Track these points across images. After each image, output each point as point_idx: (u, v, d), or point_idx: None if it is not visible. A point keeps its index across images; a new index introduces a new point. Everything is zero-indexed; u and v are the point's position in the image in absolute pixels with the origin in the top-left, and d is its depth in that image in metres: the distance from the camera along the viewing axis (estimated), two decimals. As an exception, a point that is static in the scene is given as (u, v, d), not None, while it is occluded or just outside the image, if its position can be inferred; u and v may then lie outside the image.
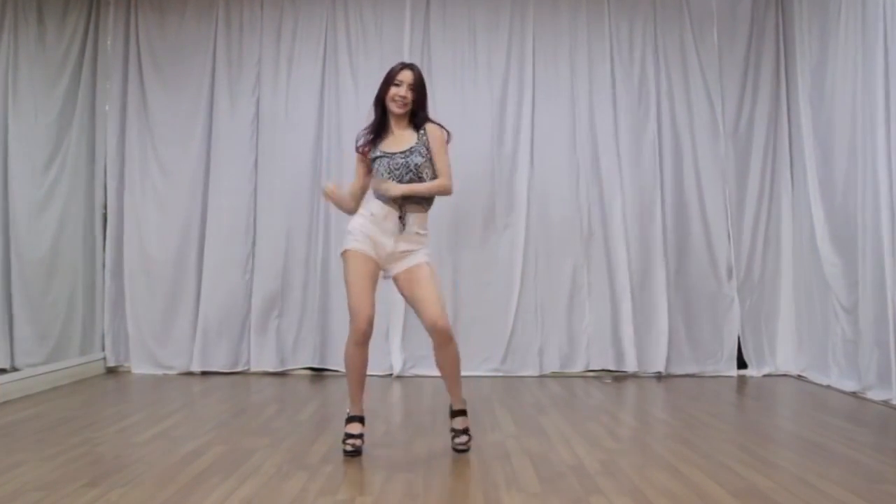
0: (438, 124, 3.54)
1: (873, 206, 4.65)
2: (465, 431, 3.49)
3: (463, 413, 3.52)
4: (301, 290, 5.82)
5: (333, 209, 5.77)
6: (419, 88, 3.50)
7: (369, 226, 3.42)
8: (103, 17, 5.88)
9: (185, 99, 5.90)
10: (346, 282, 3.39)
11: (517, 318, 5.73)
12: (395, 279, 3.48)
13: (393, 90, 3.49)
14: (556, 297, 5.77)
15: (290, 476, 3.07)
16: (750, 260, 5.82)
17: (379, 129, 3.52)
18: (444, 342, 3.37)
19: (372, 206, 3.45)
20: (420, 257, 3.44)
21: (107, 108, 5.89)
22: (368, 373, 5.65)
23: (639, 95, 5.87)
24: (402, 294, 3.50)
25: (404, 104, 3.47)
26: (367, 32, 5.90)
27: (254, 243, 5.85)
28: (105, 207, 5.88)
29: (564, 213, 5.79)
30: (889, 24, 4.53)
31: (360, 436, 3.47)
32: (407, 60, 5.76)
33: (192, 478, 3.03)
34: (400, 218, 3.39)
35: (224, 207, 5.83)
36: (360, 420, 3.50)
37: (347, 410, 3.53)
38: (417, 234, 3.45)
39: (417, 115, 3.52)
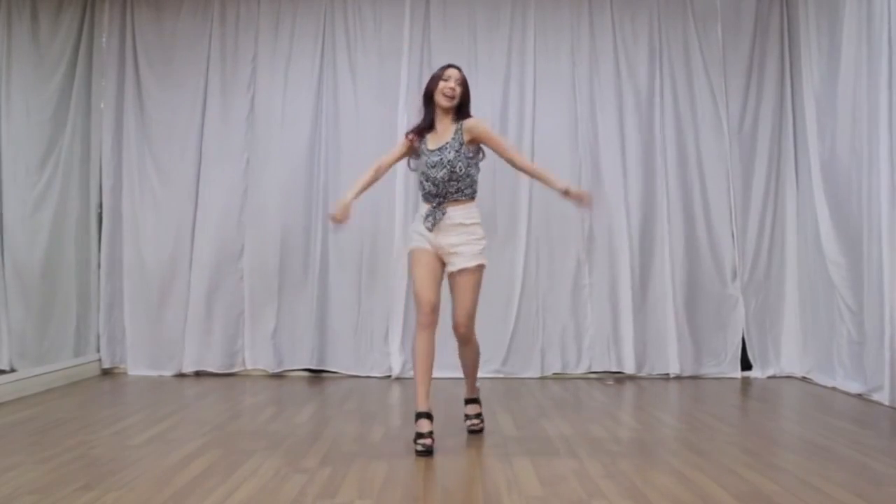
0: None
1: (878, 206, 4.62)
2: (478, 416, 3.89)
3: (476, 401, 3.92)
4: (298, 291, 5.78)
5: (331, 206, 5.75)
6: (465, 84, 3.73)
7: (420, 226, 3.70)
8: (98, 13, 5.84)
9: (181, 96, 5.86)
10: (411, 275, 3.72)
11: (518, 319, 5.69)
12: (449, 277, 3.68)
13: (441, 84, 3.68)
14: (558, 297, 5.74)
15: (287, 479, 3.05)
16: (754, 260, 5.79)
17: (427, 123, 3.75)
18: (462, 342, 3.75)
19: (420, 208, 3.76)
20: (471, 260, 3.60)
21: (102, 105, 5.85)
22: (367, 374, 5.71)
23: (641, 94, 5.82)
24: (451, 291, 3.71)
25: (452, 96, 3.66)
26: (366, 29, 5.86)
27: (250, 242, 5.80)
28: (100, 207, 5.83)
29: (566, 212, 5.73)
30: (894, 21, 4.50)
31: (431, 434, 3.51)
32: (406, 56, 5.79)
33: (189, 481, 3.01)
34: (434, 210, 3.63)
35: (219, 206, 5.79)
36: (429, 417, 3.55)
37: (415, 407, 3.60)
38: (462, 224, 3.62)
39: (461, 112, 3.73)
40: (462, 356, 3.82)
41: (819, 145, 5.38)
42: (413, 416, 3.62)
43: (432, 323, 3.57)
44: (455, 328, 3.66)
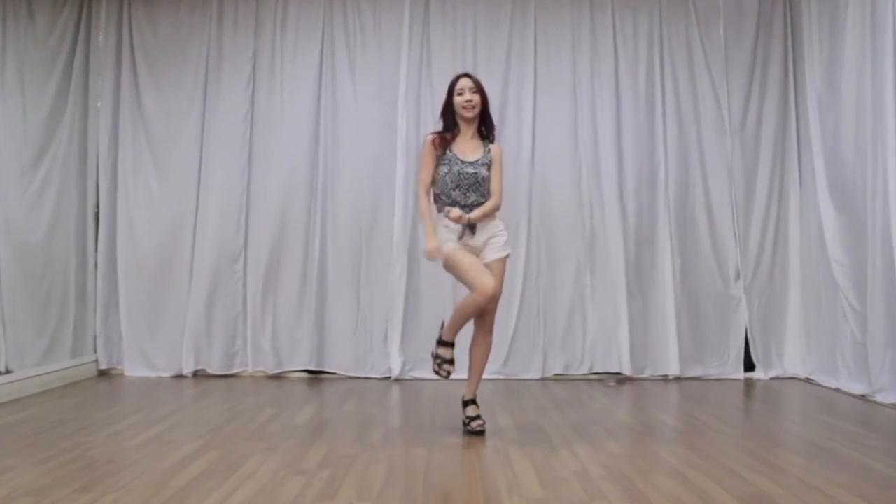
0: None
1: (883, 204, 4.59)
2: (479, 416, 3.90)
3: (474, 402, 3.94)
4: (297, 291, 5.74)
5: (330, 206, 5.74)
6: (480, 90, 3.91)
7: (449, 234, 3.85)
8: (95, 11, 5.81)
9: (179, 94, 5.82)
10: (461, 268, 3.79)
11: (519, 319, 5.66)
12: None
13: (458, 99, 3.89)
14: (559, 298, 5.71)
15: (286, 481, 3.02)
16: (757, 260, 5.76)
17: (450, 131, 3.92)
18: (483, 329, 3.91)
19: (443, 233, 3.87)
20: (501, 251, 3.89)
21: (99, 104, 5.82)
22: (367, 375, 5.69)
23: (643, 92, 5.80)
24: None
25: (473, 107, 3.88)
26: (366, 26, 5.83)
27: (248, 242, 5.77)
28: (97, 206, 5.80)
29: (566, 212, 5.73)
30: (898, 18, 4.48)
31: (453, 361, 3.89)
32: (405, 54, 5.76)
33: (186, 483, 2.98)
34: (469, 227, 3.85)
35: (218, 206, 5.75)
36: (453, 346, 3.89)
37: (441, 336, 3.91)
38: (488, 219, 3.91)
39: (485, 123, 3.97)
40: (476, 347, 3.93)
41: (822, 143, 5.36)
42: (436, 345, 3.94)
43: (491, 303, 3.79)
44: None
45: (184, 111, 5.80)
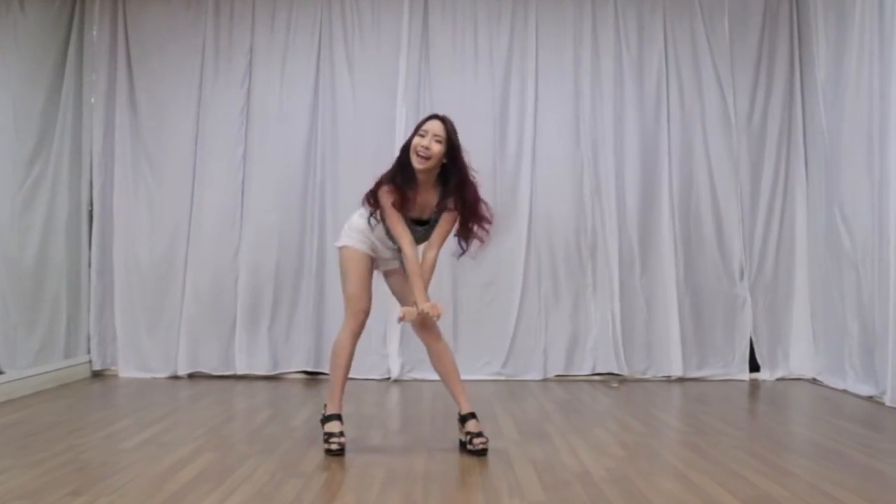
0: (462, 194, 3.39)
1: (888, 202, 4.55)
2: (482, 434, 3.45)
3: (474, 416, 3.50)
4: (294, 291, 5.70)
5: (328, 203, 5.69)
6: (449, 141, 3.31)
7: (360, 234, 3.51)
8: (89, 5, 5.75)
9: (175, 91, 5.76)
10: (345, 272, 3.49)
11: (520, 319, 5.62)
12: (387, 274, 3.66)
13: (416, 140, 3.29)
14: (560, 297, 5.66)
15: (283, 484, 2.99)
16: (763, 258, 5.72)
17: (405, 180, 3.34)
18: (433, 338, 3.53)
19: (360, 225, 3.49)
20: None
21: (93, 100, 5.77)
22: (366, 377, 5.62)
23: (647, 87, 5.75)
24: (392, 290, 3.69)
25: (426, 157, 3.27)
26: (364, 22, 5.78)
27: (245, 240, 5.72)
28: (91, 204, 5.76)
29: (568, 210, 5.69)
30: (905, 12, 4.45)
31: (343, 433, 3.46)
32: (405, 49, 5.72)
33: (182, 486, 2.95)
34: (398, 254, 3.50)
35: (214, 204, 5.71)
36: (340, 418, 3.50)
37: (324, 411, 3.57)
38: None
39: (447, 180, 3.37)
40: (439, 359, 3.53)
41: (829, 140, 5.31)
42: (322, 418, 3.57)
43: (363, 327, 3.53)
44: (420, 324, 3.49)
45: (179, 107, 5.75)
